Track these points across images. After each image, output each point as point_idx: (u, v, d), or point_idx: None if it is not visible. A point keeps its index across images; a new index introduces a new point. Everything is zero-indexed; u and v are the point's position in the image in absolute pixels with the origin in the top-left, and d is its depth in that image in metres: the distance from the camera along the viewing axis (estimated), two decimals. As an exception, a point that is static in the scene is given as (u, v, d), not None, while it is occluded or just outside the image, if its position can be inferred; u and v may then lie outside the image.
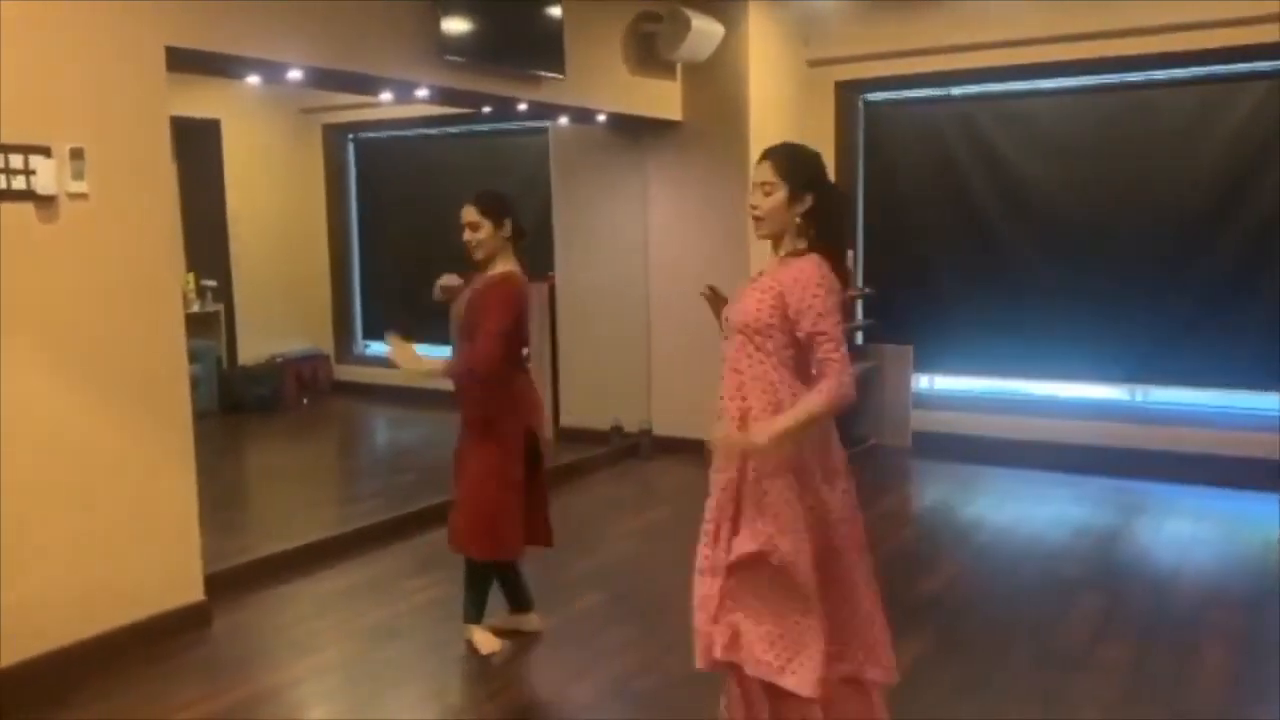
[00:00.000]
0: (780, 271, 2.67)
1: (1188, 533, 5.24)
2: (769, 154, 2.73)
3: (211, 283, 8.33)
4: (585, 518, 5.56)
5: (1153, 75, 6.26)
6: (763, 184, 2.68)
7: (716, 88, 6.64)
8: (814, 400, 2.56)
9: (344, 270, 9.33)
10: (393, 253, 9.07)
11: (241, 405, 8.23)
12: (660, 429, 6.95)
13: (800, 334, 2.60)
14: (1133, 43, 6.08)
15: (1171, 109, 6.24)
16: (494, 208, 3.69)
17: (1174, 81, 6.23)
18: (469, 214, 3.68)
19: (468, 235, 3.69)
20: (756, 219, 2.71)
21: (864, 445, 7.01)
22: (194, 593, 4.07)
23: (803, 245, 2.70)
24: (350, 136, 9.21)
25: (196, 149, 7.97)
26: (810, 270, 2.62)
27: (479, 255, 3.70)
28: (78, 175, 3.59)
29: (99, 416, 3.71)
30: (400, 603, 4.33)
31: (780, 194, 2.67)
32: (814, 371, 2.62)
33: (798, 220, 2.68)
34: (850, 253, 7.07)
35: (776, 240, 2.73)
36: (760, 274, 2.75)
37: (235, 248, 8.55)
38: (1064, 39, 6.24)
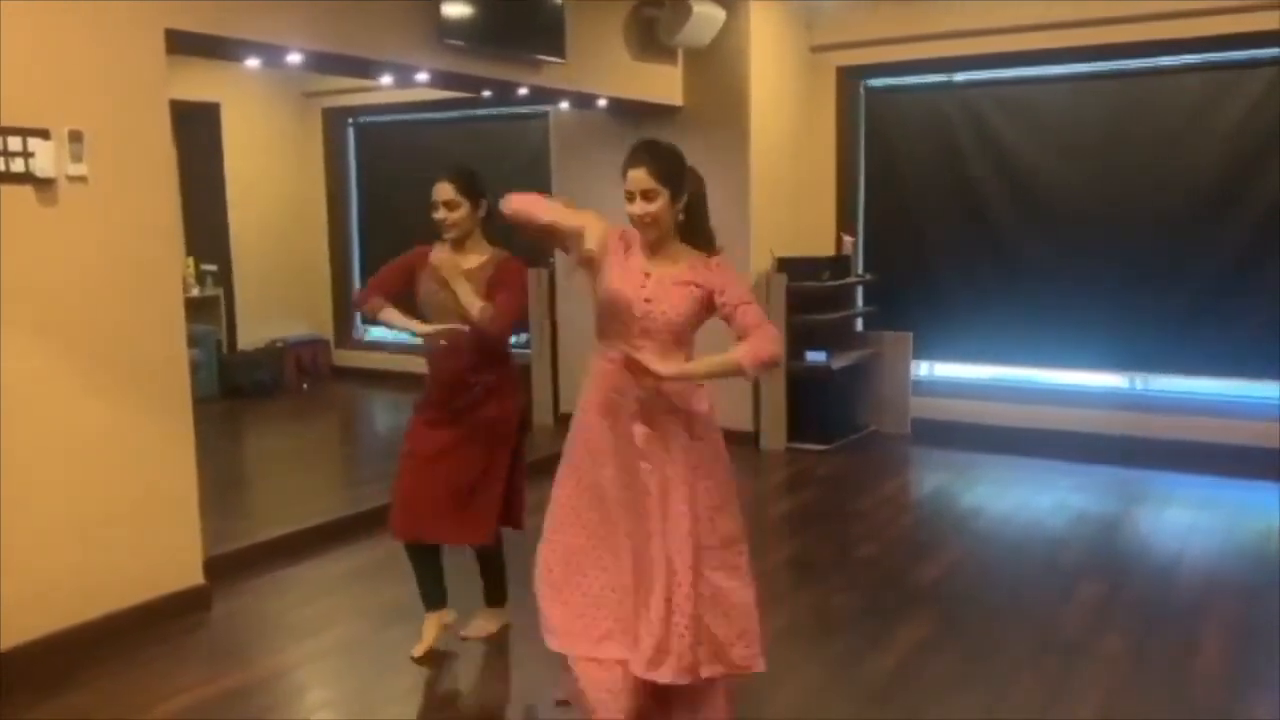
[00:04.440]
0: (706, 274, 2.77)
1: (1188, 521, 5.24)
2: (643, 160, 2.75)
3: (211, 267, 8.32)
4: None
5: (1157, 62, 6.23)
6: (644, 191, 2.73)
7: (718, 73, 6.61)
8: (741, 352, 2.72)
9: (344, 255, 9.31)
10: (393, 237, 8.96)
11: (241, 390, 8.23)
12: (660, 415, 6.93)
13: (731, 314, 2.76)
14: (1136, 29, 6.06)
15: (1175, 96, 6.21)
16: (471, 186, 3.54)
17: (1178, 69, 6.20)
18: (445, 191, 3.51)
19: (442, 214, 3.53)
20: (646, 224, 2.76)
21: (863, 432, 7.01)
22: (194, 576, 4.07)
23: (678, 242, 2.80)
24: (350, 121, 9.17)
25: (196, 133, 7.95)
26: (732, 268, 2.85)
27: (452, 235, 3.54)
28: (76, 158, 3.57)
29: (99, 401, 3.70)
30: (401, 586, 4.31)
31: (663, 199, 2.73)
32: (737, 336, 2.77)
33: (680, 218, 2.79)
34: (851, 239, 7.06)
35: (661, 242, 2.78)
36: (649, 274, 2.78)
37: (235, 232, 8.54)
38: (1067, 25, 6.22)
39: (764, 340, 2.72)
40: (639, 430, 2.75)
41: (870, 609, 4.10)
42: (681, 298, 2.75)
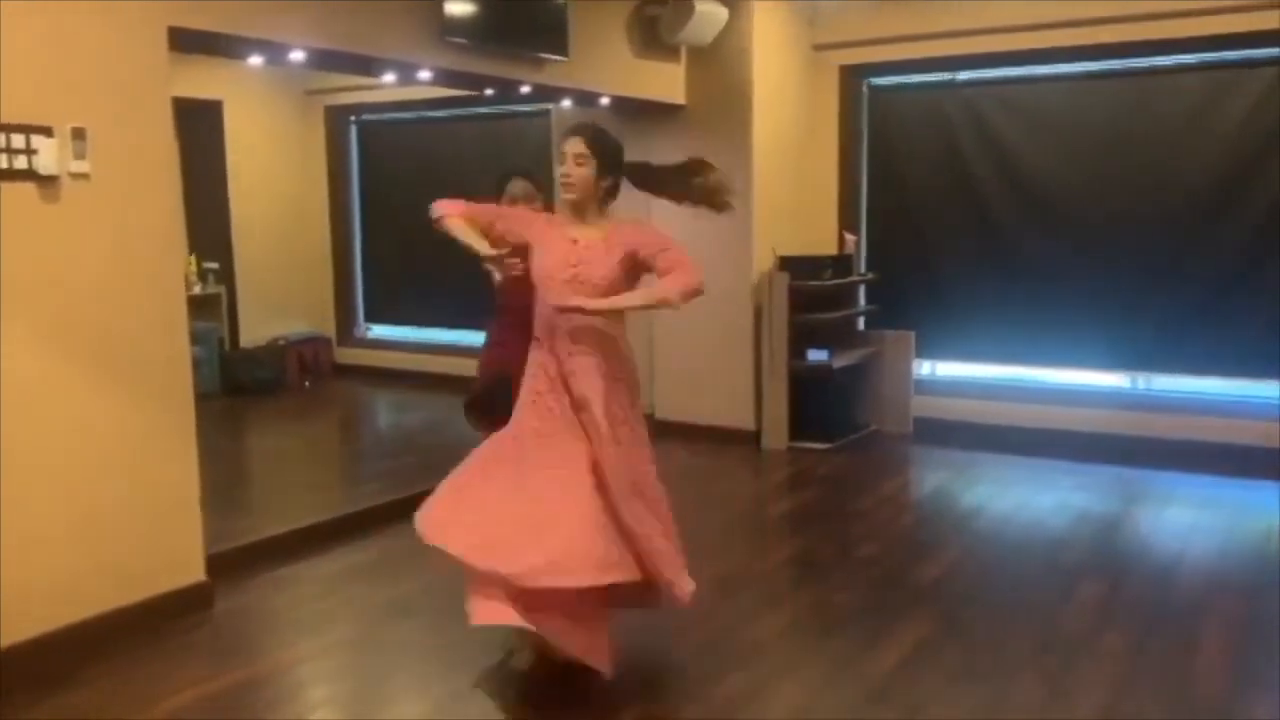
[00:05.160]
0: (617, 234, 3.25)
1: (1189, 520, 5.24)
2: (580, 130, 3.27)
3: (213, 265, 8.32)
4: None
5: (1159, 61, 6.22)
6: (575, 155, 3.21)
7: (720, 71, 6.62)
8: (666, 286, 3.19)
9: (346, 253, 9.32)
10: (395, 235, 9.06)
11: (243, 387, 8.23)
12: (663, 413, 6.95)
13: (653, 262, 3.22)
14: (1139, 28, 6.06)
15: (1177, 96, 6.20)
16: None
17: (1180, 68, 6.19)
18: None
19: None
20: (568, 185, 3.23)
21: (865, 431, 7.01)
22: (195, 573, 4.07)
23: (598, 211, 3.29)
24: (353, 119, 9.18)
25: (199, 130, 7.95)
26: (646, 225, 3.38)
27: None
28: (79, 155, 3.58)
29: (100, 398, 3.71)
30: (405, 583, 4.33)
31: (590, 167, 3.22)
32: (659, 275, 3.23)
33: (603, 192, 3.27)
34: (853, 238, 7.07)
35: (582, 205, 3.26)
36: (576, 240, 3.25)
37: (237, 230, 8.54)
38: (1070, 24, 6.22)
39: (685, 273, 3.17)
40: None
41: (871, 608, 4.10)
42: (609, 261, 3.20)
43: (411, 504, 5.17)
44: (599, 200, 3.28)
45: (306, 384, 8.79)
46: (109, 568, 3.75)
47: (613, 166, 3.28)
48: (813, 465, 6.33)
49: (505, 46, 5.27)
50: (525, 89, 5.67)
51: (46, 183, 3.51)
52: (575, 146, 3.21)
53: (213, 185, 8.37)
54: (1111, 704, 3.28)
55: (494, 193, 3.91)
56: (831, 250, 7.04)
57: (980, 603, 4.18)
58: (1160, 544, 4.98)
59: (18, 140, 3.41)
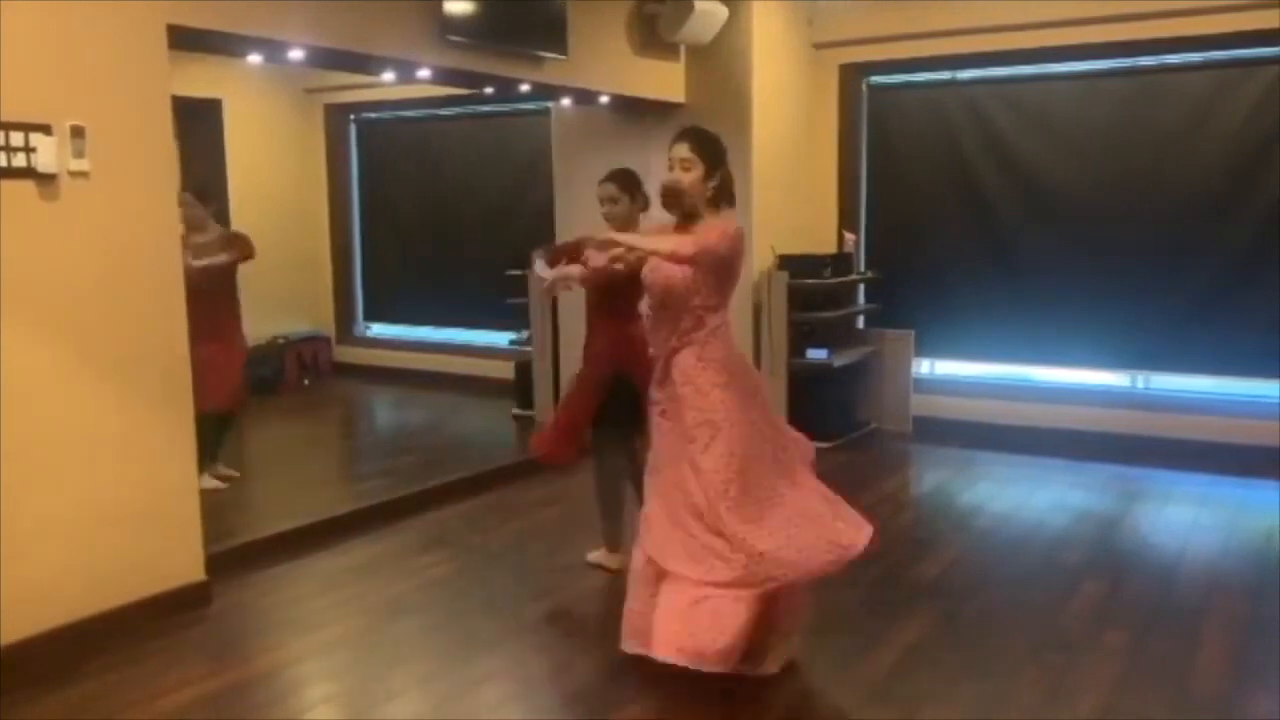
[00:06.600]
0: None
1: (1189, 519, 5.24)
2: (685, 135, 3.36)
3: (213, 263, 8.31)
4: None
5: (1162, 60, 6.22)
6: (681, 160, 3.30)
7: (720, 70, 6.61)
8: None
9: (345, 252, 9.32)
10: (394, 234, 9.07)
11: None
12: (661, 412, 6.93)
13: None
14: (1142, 27, 6.05)
15: (1179, 95, 6.20)
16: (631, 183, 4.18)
17: (1183, 67, 6.19)
18: (608, 190, 4.14)
19: (606, 209, 4.15)
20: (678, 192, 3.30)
21: (864, 429, 7.01)
22: (195, 572, 4.07)
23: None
24: (352, 117, 9.18)
25: (198, 129, 7.95)
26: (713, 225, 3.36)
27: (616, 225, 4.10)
28: (79, 154, 3.57)
29: (100, 396, 3.70)
30: (405, 581, 4.33)
31: (697, 171, 3.31)
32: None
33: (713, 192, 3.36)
34: (853, 236, 7.06)
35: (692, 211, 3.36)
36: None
37: (236, 228, 8.52)
38: (1072, 23, 6.21)
39: (672, 241, 3.29)
40: None
41: (871, 606, 4.10)
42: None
43: (411, 502, 5.27)
44: (709, 201, 3.38)
45: (305, 383, 8.80)
46: (108, 566, 3.75)
47: (719, 165, 3.38)
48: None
49: (504, 45, 5.27)
50: (524, 87, 5.66)
51: (46, 181, 3.50)
52: (680, 151, 3.31)
53: (212, 184, 8.35)
54: (1111, 702, 3.28)
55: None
56: (831, 249, 7.03)
57: (980, 601, 4.18)
58: (1160, 543, 4.98)
59: (16, 138, 3.41)
